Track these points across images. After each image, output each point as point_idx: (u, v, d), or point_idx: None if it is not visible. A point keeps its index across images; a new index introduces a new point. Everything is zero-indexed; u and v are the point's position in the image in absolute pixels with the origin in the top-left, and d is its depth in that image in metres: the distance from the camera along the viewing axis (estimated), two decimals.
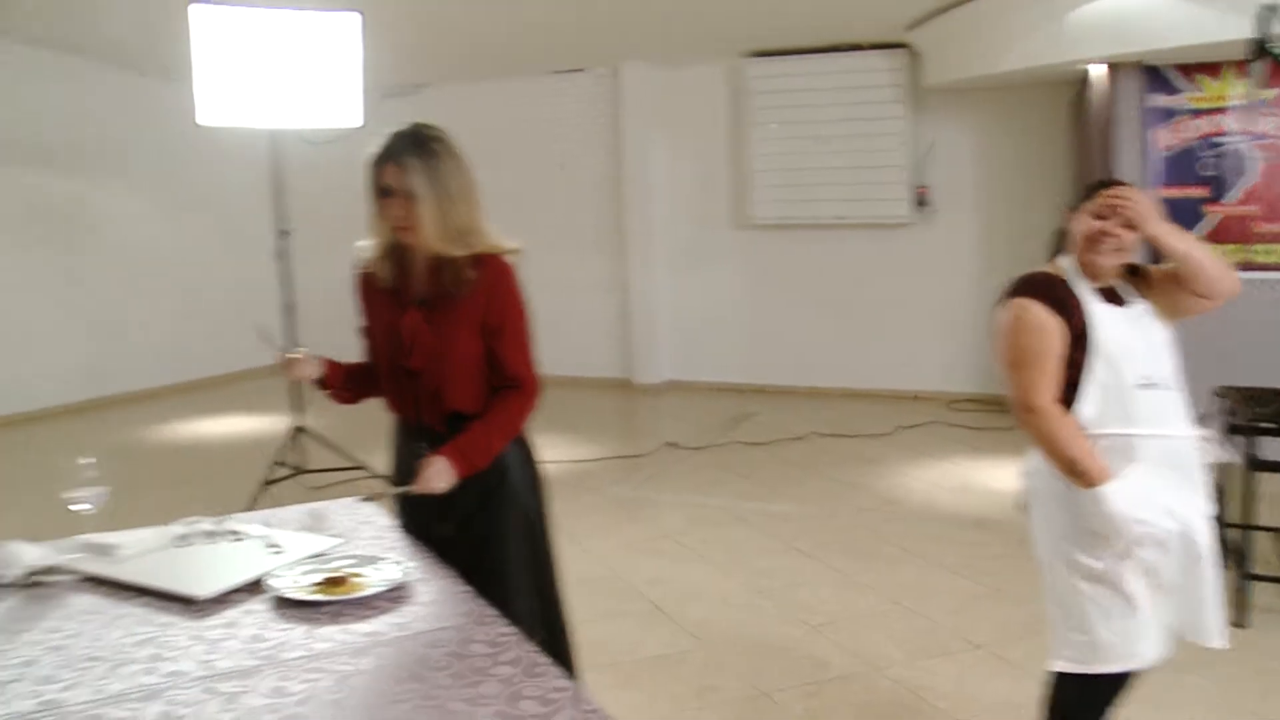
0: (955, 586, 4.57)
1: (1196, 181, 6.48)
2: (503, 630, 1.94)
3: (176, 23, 5.75)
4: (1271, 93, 6.21)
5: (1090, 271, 2.55)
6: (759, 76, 8.65)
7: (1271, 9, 4.95)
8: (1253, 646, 3.82)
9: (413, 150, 2.42)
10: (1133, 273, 2.64)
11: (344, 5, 5.97)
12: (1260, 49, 5.01)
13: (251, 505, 5.32)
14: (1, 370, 8.41)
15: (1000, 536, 5.11)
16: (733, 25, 8.00)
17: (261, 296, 7.75)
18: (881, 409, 8.17)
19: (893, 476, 6.30)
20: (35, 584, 2.24)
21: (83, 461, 2.41)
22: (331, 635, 1.93)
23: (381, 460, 5.40)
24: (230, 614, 2.05)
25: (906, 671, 3.74)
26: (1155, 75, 6.49)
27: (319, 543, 2.38)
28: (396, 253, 2.55)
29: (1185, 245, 2.50)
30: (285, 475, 6.05)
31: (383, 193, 2.45)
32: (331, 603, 2.06)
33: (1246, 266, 6.30)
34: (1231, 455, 3.80)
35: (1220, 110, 6.40)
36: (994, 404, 7.70)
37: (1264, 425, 4.00)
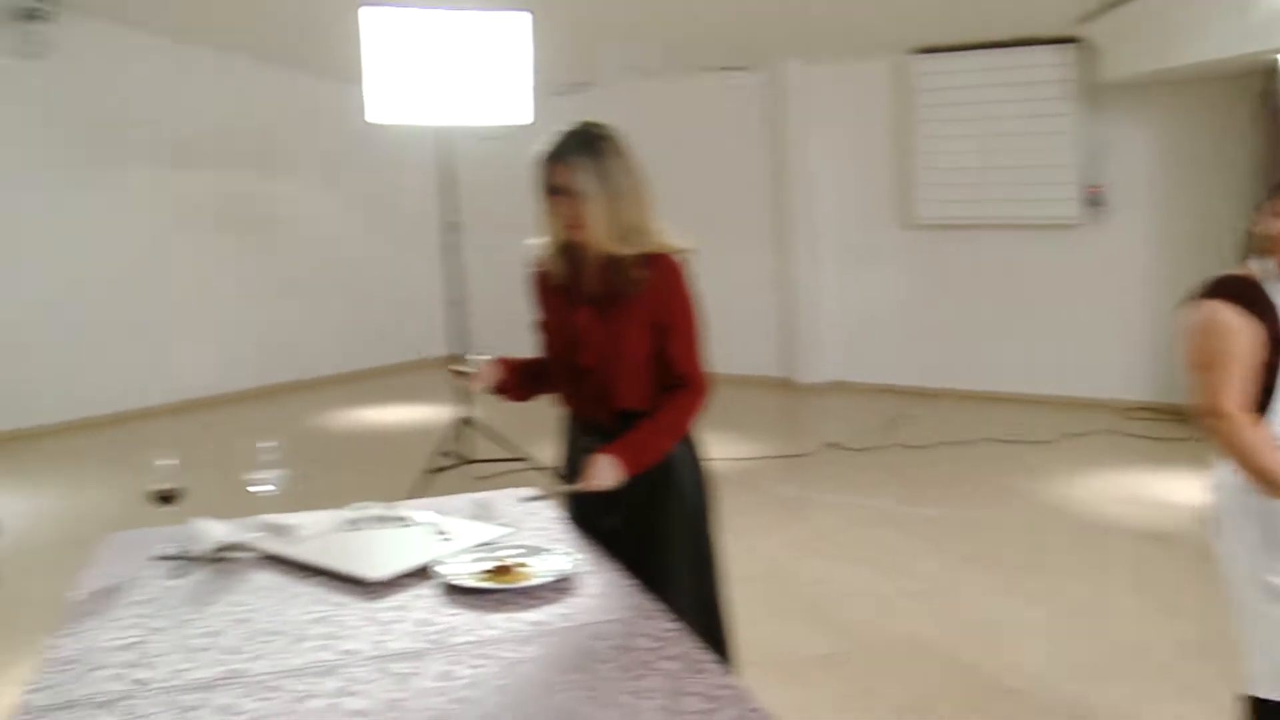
0: (1127, 602, 4.36)
1: None
2: (667, 625, 1.93)
3: (348, 25, 5.97)
4: None
5: None
6: (925, 74, 8.44)
7: None
8: None
9: (582, 149, 2.43)
10: None
11: (514, 5, 6.08)
12: None
13: (416, 493, 5.47)
14: (185, 357, 8.92)
15: (1176, 551, 4.86)
16: (898, 22, 7.84)
17: (429, 291, 7.99)
18: (1047, 415, 7.88)
19: (1059, 485, 6.06)
20: (221, 559, 2.34)
21: (264, 445, 2.50)
22: (498, 623, 1.96)
23: (544, 452, 5.48)
24: (400, 597, 2.09)
25: (1075, 689, 3.57)
26: None
27: (487, 531, 2.42)
28: (569, 251, 2.56)
29: None
30: (449, 465, 6.20)
31: (552, 191, 2.46)
32: (499, 591, 2.08)
33: None
34: None
35: None
36: (1172, 414, 7.32)
37: None
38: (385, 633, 1.92)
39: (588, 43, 8.51)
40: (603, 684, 1.70)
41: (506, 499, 2.72)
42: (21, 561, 4.75)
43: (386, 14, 5.80)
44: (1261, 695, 2.44)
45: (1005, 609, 4.32)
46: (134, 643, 1.92)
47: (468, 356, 2.76)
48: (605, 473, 2.43)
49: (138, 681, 1.76)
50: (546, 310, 2.68)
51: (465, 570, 2.17)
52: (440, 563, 2.20)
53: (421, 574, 2.19)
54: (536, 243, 2.64)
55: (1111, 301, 8.08)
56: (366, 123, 6.05)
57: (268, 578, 2.24)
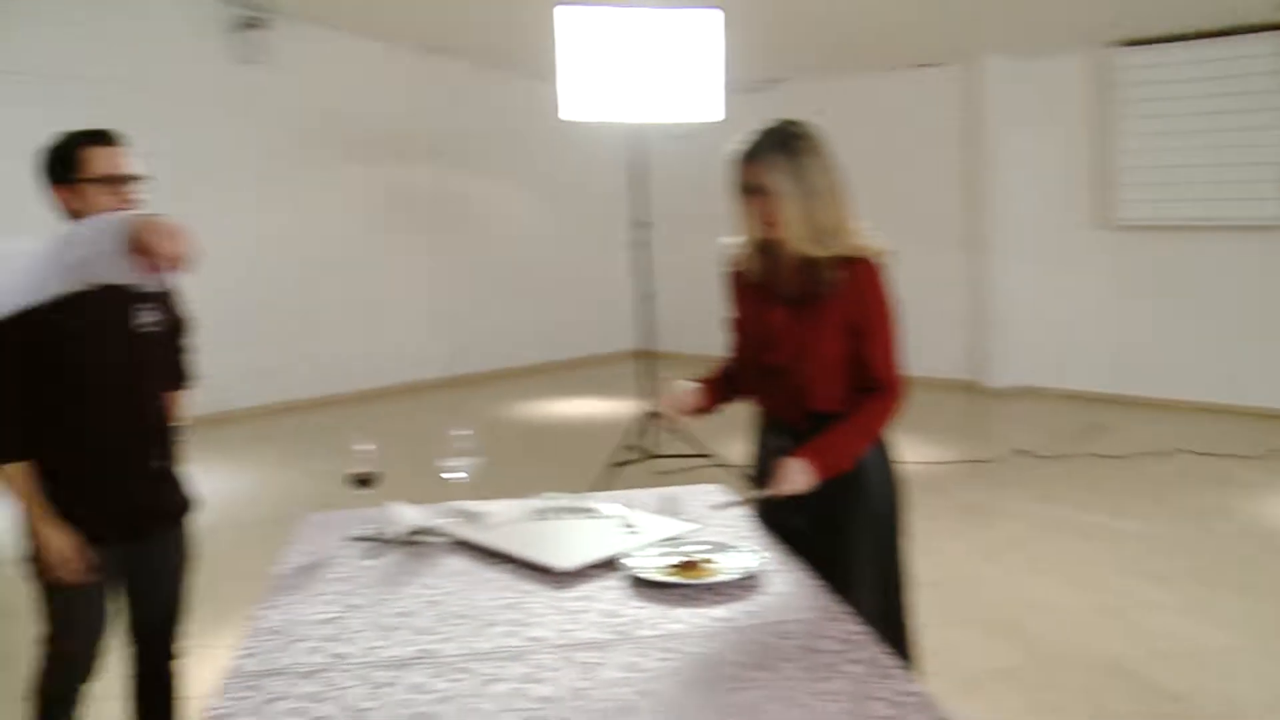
0: None
1: None
2: (853, 628, 1.88)
3: (543, 24, 6.08)
4: None
5: None
6: (1128, 67, 8.01)
7: None
8: None
9: (777, 148, 2.39)
10: None
11: (706, 2, 6.08)
12: None
13: (600, 486, 5.54)
14: (381, 345, 9.32)
15: None
16: (1097, 14, 7.46)
17: (619, 286, 8.08)
18: (1252, 428, 7.35)
19: (1265, 504, 5.65)
20: (414, 543, 2.41)
21: (458, 433, 2.56)
22: (684, 617, 1.94)
23: (730, 450, 5.46)
24: (587, 588, 2.11)
25: None
26: None
27: (674, 526, 2.42)
28: (766, 249, 2.52)
29: None
30: (634, 459, 6.25)
31: (746, 190, 2.43)
32: (685, 586, 2.07)
33: None
34: None
35: None
36: None
37: None
38: (572, 622, 1.94)
39: (779, 39, 8.44)
40: (787, 684, 1.67)
41: (693, 495, 2.71)
42: (224, 536, 5.00)
43: (580, 13, 5.89)
44: None
45: (1202, 632, 4.04)
46: (333, 618, 2.00)
47: (674, 382, 2.75)
48: (796, 477, 2.38)
49: (336, 655, 1.83)
50: (741, 308, 2.65)
51: (652, 564, 2.16)
52: (627, 555, 2.21)
53: (608, 566, 2.20)
54: (732, 241, 2.61)
55: None
56: (560, 120, 6.16)
57: (458, 562, 2.29)
